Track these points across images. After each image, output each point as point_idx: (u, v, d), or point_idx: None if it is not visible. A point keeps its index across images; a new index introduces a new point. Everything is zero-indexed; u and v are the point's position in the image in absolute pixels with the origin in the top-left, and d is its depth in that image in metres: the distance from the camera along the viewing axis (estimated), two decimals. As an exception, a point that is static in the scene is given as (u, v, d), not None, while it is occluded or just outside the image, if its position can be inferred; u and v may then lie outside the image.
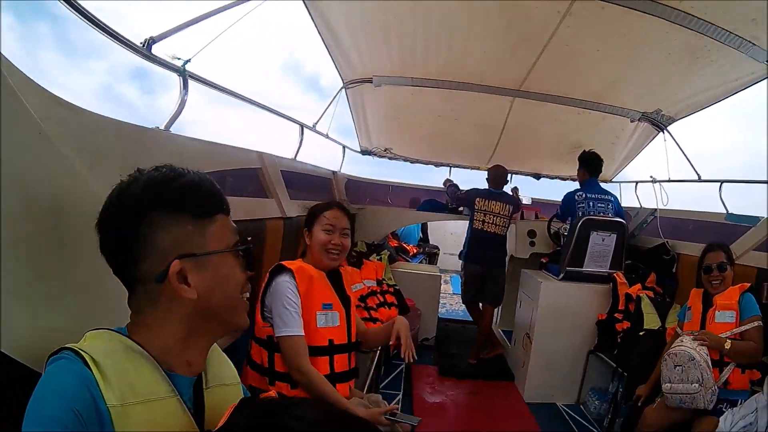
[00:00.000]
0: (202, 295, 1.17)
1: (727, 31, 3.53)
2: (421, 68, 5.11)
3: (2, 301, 1.24)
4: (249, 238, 1.34)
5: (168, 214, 1.15)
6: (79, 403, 0.97)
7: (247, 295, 1.32)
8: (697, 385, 3.12)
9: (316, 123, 5.19)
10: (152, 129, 2.31)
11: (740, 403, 3.09)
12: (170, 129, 2.50)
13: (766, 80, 4.09)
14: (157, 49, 2.37)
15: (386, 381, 5.25)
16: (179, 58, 2.60)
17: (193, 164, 2.41)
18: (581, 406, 5.23)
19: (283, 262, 2.60)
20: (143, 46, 2.28)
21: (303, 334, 2.47)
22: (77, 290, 1.54)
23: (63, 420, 0.95)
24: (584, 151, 5.53)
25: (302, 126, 4.79)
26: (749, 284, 3.46)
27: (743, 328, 3.31)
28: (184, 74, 2.62)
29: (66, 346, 1.08)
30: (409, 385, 5.27)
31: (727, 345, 3.22)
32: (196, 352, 1.25)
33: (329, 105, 5.45)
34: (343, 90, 5.62)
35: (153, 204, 1.14)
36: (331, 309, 2.66)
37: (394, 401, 4.74)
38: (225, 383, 1.38)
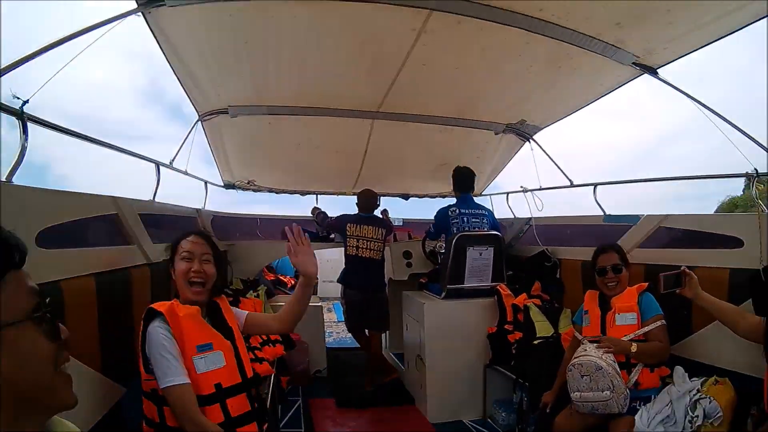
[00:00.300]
0: (4, 379, 0.92)
1: (590, 36, 3.57)
2: (276, 96, 4.99)
3: None
4: (48, 299, 1.03)
5: None
6: None
7: (67, 366, 1.05)
8: (608, 392, 3.12)
9: (172, 160, 4.88)
10: None
11: (653, 399, 3.16)
12: (12, 180, 2.26)
13: (631, 82, 4.21)
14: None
15: (285, 419, 5.07)
16: (18, 98, 2.33)
17: (38, 217, 2.19)
18: (489, 420, 5.23)
19: (153, 305, 2.40)
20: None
21: (188, 381, 2.27)
22: None
23: None
24: (457, 167, 5.58)
25: (158, 164, 4.46)
26: (647, 284, 3.48)
27: (647, 328, 3.34)
28: (23, 116, 2.35)
29: None
30: (309, 422, 5.09)
31: (634, 348, 3.25)
32: None
33: (185, 140, 5.15)
34: (200, 122, 5.39)
35: None
36: (210, 350, 2.44)
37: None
38: None
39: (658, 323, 3.34)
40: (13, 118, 2.34)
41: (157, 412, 2.33)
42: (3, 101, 2.26)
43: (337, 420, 5.27)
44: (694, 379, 3.14)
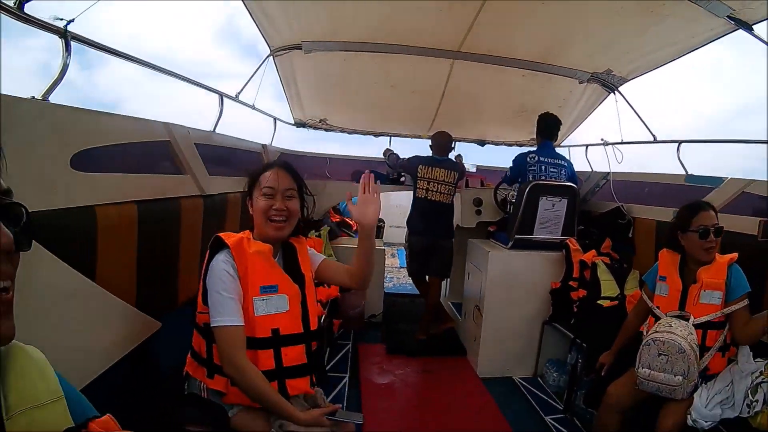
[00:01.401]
0: None
1: None
2: (353, 31, 4.83)
3: None
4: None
5: None
6: None
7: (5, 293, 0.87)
8: (680, 378, 2.82)
9: (239, 93, 4.85)
10: (25, 99, 1.99)
11: (714, 379, 2.93)
12: (49, 98, 2.14)
13: (724, 37, 3.89)
14: (31, 8, 2.03)
15: (332, 363, 5.04)
16: (61, 19, 2.25)
17: (74, 138, 2.07)
18: (539, 379, 5.11)
19: (222, 234, 2.29)
20: (14, 4, 1.93)
21: (241, 323, 2.17)
22: None
23: None
24: (544, 113, 5.38)
25: (221, 95, 4.41)
26: (736, 254, 3.06)
27: (733, 308, 2.95)
28: (66, 36, 2.26)
29: None
30: (356, 367, 5.05)
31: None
32: None
33: (254, 74, 5.09)
34: (271, 58, 5.28)
35: None
36: (274, 292, 2.30)
37: (341, 384, 4.57)
38: (37, 404, 1.00)
39: (744, 302, 2.96)
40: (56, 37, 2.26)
41: (205, 346, 2.28)
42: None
43: (384, 367, 5.23)
44: (758, 359, 2.88)
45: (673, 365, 2.83)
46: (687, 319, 2.98)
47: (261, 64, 5.12)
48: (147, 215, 2.63)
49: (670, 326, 2.95)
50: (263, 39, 4.92)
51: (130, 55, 2.90)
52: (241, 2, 4.07)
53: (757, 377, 2.76)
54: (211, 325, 2.14)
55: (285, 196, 2.37)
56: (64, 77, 2.21)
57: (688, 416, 2.79)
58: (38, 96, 2.09)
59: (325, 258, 2.72)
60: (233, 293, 2.17)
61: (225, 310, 2.13)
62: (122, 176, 2.55)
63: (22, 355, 1.03)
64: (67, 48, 2.26)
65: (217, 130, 4.22)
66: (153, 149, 3.07)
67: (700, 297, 3.01)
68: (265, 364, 2.22)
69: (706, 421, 2.73)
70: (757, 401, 2.67)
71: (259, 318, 2.24)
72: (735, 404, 2.75)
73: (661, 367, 2.87)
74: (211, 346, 2.24)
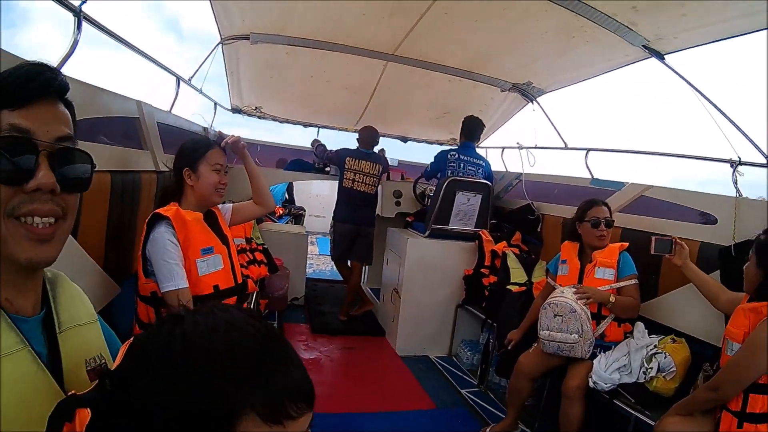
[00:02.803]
0: None
1: (607, 15, 3.71)
2: (299, 27, 5.05)
3: None
4: (23, 137, 0.92)
5: None
6: None
7: (35, 219, 0.93)
8: (576, 335, 3.33)
9: (191, 77, 5.06)
10: None
11: (612, 348, 3.44)
12: (61, 70, 2.40)
13: (637, 63, 4.38)
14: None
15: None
16: None
17: (78, 109, 2.39)
18: (454, 358, 5.53)
19: (158, 210, 2.55)
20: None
21: (187, 285, 2.45)
22: None
23: None
24: (470, 115, 5.78)
25: (179, 78, 4.65)
26: (627, 243, 3.70)
27: (623, 284, 3.56)
28: (80, 15, 2.50)
29: None
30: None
31: (612, 299, 3.47)
32: (14, 286, 0.98)
33: (205, 60, 5.29)
34: (220, 45, 5.48)
35: None
36: (211, 253, 2.64)
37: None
38: (81, 323, 1.15)
39: (633, 281, 3.57)
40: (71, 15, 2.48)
41: (154, 313, 2.52)
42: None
43: (309, 344, 5.52)
44: (652, 336, 3.42)
45: (567, 324, 3.37)
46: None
47: (211, 52, 5.31)
48: (116, 185, 2.82)
49: (563, 292, 3.55)
50: (216, 26, 5.10)
51: (131, 44, 3.26)
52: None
53: (651, 349, 3.26)
54: (162, 291, 2.41)
55: (225, 172, 2.78)
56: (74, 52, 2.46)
57: (590, 379, 3.27)
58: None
59: (233, 204, 3.15)
60: (177, 259, 2.45)
61: (173, 275, 2.41)
62: (100, 146, 2.77)
63: (67, 283, 1.18)
64: (79, 27, 2.50)
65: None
66: (123, 124, 3.29)
67: (595, 273, 3.64)
68: None
69: (605, 383, 3.21)
70: (651, 368, 3.16)
71: (203, 277, 2.56)
72: (632, 371, 3.24)
73: (558, 327, 3.41)
74: (159, 311, 2.52)
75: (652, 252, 3.31)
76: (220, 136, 3.16)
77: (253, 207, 3.20)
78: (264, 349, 0.78)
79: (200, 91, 5.44)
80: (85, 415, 0.78)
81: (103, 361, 1.14)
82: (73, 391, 0.87)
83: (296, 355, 0.83)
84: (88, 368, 1.09)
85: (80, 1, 2.49)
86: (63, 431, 0.77)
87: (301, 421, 0.76)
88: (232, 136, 3.07)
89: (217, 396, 0.70)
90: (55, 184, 0.93)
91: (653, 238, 3.33)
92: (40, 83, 0.94)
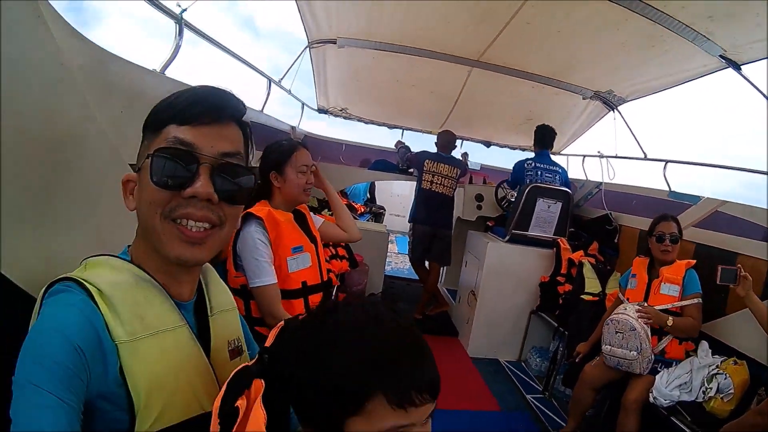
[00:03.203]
0: (137, 208, 1.12)
1: (684, 24, 3.73)
2: (385, 33, 5.19)
3: (3, 224, 1.26)
4: (187, 151, 1.07)
5: (146, 130, 1.13)
6: (82, 340, 0.92)
7: (188, 222, 1.08)
8: (635, 353, 3.39)
9: (281, 78, 5.30)
10: (151, 70, 2.38)
11: (674, 365, 3.44)
12: (165, 72, 2.61)
13: (715, 73, 4.37)
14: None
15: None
16: (179, 5, 2.73)
17: None
18: (523, 363, 5.56)
19: (251, 209, 2.64)
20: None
21: (275, 281, 2.55)
22: (83, 215, 1.64)
23: (62, 358, 0.88)
24: (541, 124, 5.79)
25: (270, 80, 4.90)
26: (695, 261, 3.69)
27: (685, 303, 3.56)
28: (181, 21, 2.74)
29: (66, 276, 1.04)
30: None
31: (670, 322, 3.46)
32: (172, 275, 1.16)
33: (294, 62, 5.53)
34: (308, 49, 5.69)
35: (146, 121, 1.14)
36: (301, 251, 2.74)
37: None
38: (226, 309, 1.34)
39: (696, 301, 3.55)
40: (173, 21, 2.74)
41: (243, 305, 2.63)
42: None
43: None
44: (715, 356, 3.40)
45: (627, 341, 3.43)
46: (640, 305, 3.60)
47: (300, 55, 5.53)
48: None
49: (625, 309, 3.60)
50: (304, 31, 5.31)
51: (229, 50, 3.50)
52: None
53: (713, 369, 3.25)
54: (251, 286, 2.54)
55: (310, 171, 2.85)
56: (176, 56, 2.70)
57: (650, 394, 3.29)
58: (158, 69, 2.56)
59: (324, 221, 3.20)
60: (267, 257, 2.57)
61: (262, 272, 2.53)
62: None
63: (214, 274, 1.37)
64: (180, 33, 2.75)
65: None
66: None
67: (660, 288, 3.66)
68: (298, 310, 2.65)
69: (665, 400, 3.22)
70: (711, 388, 3.14)
71: (292, 274, 2.69)
72: (692, 390, 3.23)
73: (618, 344, 3.48)
74: (249, 303, 2.64)
75: (718, 282, 3.25)
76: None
77: (341, 232, 3.27)
78: (400, 343, 0.94)
79: (290, 92, 5.66)
80: (259, 385, 0.93)
81: (240, 343, 1.34)
82: (245, 364, 1.01)
83: (429, 351, 0.99)
84: (230, 348, 1.28)
85: (180, 9, 2.73)
86: (238, 401, 0.89)
87: (422, 410, 0.91)
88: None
89: (354, 379, 0.88)
90: (212, 193, 1.07)
91: (719, 267, 3.27)
92: (208, 105, 1.09)
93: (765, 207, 3.80)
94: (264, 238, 2.59)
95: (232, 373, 0.97)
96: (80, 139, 1.62)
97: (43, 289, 1.03)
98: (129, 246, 1.19)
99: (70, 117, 1.58)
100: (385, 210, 9.98)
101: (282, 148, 2.80)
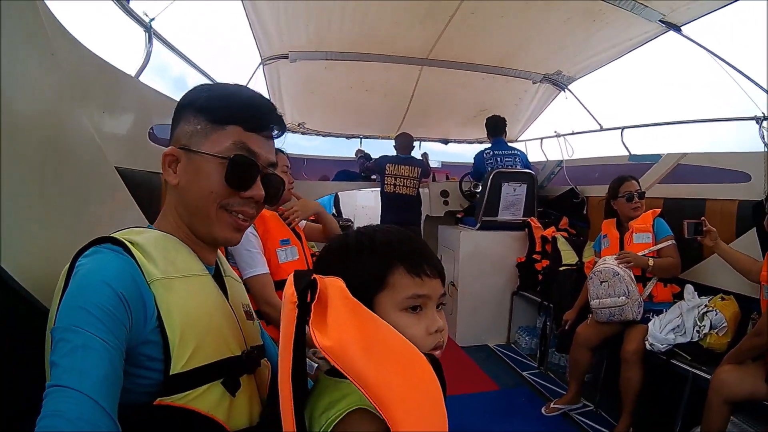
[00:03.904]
0: (182, 185, 1.22)
1: None
2: (336, 42, 5.29)
3: (2, 219, 1.27)
4: (252, 158, 1.22)
5: (193, 112, 1.22)
6: (124, 288, 0.98)
7: (241, 216, 1.25)
8: (624, 297, 3.52)
9: None
10: (127, 74, 2.46)
11: (665, 311, 3.57)
12: (139, 78, 2.75)
13: (659, 38, 4.56)
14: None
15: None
16: (146, 15, 2.91)
17: (153, 115, 2.66)
18: (513, 345, 5.70)
19: None
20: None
21: (268, 271, 2.66)
22: (74, 211, 1.68)
23: (107, 304, 0.94)
24: (490, 116, 6.02)
25: None
26: (660, 209, 3.94)
27: (660, 245, 3.73)
28: (150, 30, 2.91)
29: (100, 237, 1.09)
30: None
31: (651, 262, 3.64)
32: (200, 247, 1.27)
33: (248, 82, 5.58)
34: (261, 66, 5.76)
35: (189, 102, 1.24)
36: (288, 244, 2.84)
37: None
38: (234, 278, 1.47)
39: (670, 242, 3.73)
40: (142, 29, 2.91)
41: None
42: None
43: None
44: (702, 297, 3.53)
45: (613, 288, 3.58)
46: None
47: (254, 73, 5.63)
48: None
49: (604, 260, 3.78)
50: (256, 48, 5.40)
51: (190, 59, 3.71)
52: (244, 15, 4.62)
53: (702, 309, 3.39)
54: (245, 277, 2.59)
55: (289, 171, 2.95)
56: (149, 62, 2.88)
57: (646, 341, 3.42)
58: (132, 74, 2.67)
59: (307, 222, 3.33)
60: (258, 248, 2.68)
61: (255, 262, 2.62)
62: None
63: (223, 258, 1.48)
64: (150, 40, 2.92)
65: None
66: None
67: (633, 239, 3.83)
68: None
69: (662, 344, 3.34)
70: (704, 326, 3.29)
71: (283, 264, 2.77)
72: (686, 331, 3.37)
73: (605, 293, 3.62)
74: None
75: (686, 236, 3.42)
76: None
77: (321, 236, 3.39)
78: (410, 238, 1.12)
79: None
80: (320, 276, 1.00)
81: (250, 310, 1.45)
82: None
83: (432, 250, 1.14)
84: (245, 310, 1.38)
85: (149, 18, 2.93)
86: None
87: (434, 284, 1.07)
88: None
89: (376, 259, 1.05)
90: (263, 197, 1.26)
91: (685, 222, 3.42)
92: (272, 120, 1.27)
93: (724, 151, 3.97)
94: (254, 230, 2.70)
95: (293, 271, 1.03)
96: (71, 137, 1.70)
97: (69, 264, 1.05)
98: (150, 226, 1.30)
99: (62, 116, 1.65)
100: (353, 222, 10.00)
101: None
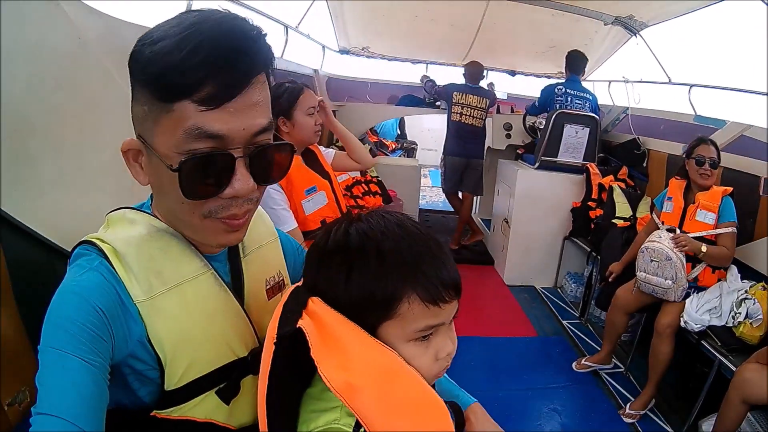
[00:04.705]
0: (153, 186, 1.00)
1: None
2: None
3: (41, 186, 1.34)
4: (221, 153, 0.88)
5: (136, 83, 0.90)
6: (102, 302, 0.89)
7: (227, 213, 0.96)
8: (670, 282, 3.44)
9: (299, 23, 5.31)
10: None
11: (705, 291, 3.50)
12: None
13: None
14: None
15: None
16: None
17: None
18: (558, 290, 5.75)
19: None
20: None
21: (296, 225, 2.62)
22: (111, 175, 1.72)
23: (82, 319, 0.86)
24: (573, 50, 5.79)
25: (286, 26, 4.94)
26: (731, 189, 3.58)
27: (720, 231, 3.54)
28: None
29: (86, 238, 1.00)
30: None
31: (704, 249, 3.47)
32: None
33: (311, 5, 5.52)
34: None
35: (131, 63, 0.90)
36: (315, 191, 2.76)
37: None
38: (263, 243, 1.26)
39: (730, 230, 3.52)
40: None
41: None
42: None
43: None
44: (744, 281, 3.46)
45: (663, 270, 3.47)
46: (674, 231, 3.62)
47: None
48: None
49: (660, 237, 3.60)
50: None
51: None
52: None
53: (742, 294, 3.30)
54: None
55: (317, 111, 2.84)
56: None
57: (681, 318, 3.38)
58: None
59: (335, 152, 3.20)
60: (283, 203, 2.64)
61: (281, 219, 2.58)
62: None
63: None
64: None
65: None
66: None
67: (696, 214, 3.62)
68: None
69: (696, 324, 3.29)
70: (740, 313, 3.19)
71: (309, 215, 2.75)
72: (722, 314, 3.28)
73: (653, 272, 3.53)
74: None
75: (762, 193, 3.30)
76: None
77: (351, 162, 3.22)
78: (424, 245, 0.94)
79: (308, 37, 5.72)
80: (316, 300, 0.93)
81: (282, 278, 1.27)
82: (297, 285, 1.03)
83: (449, 252, 0.99)
84: (267, 287, 1.21)
85: None
86: (299, 322, 0.88)
87: (450, 307, 0.94)
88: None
89: (385, 283, 0.88)
90: (253, 186, 0.94)
91: (762, 179, 3.29)
92: (233, 72, 0.85)
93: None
94: (276, 185, 2.60)
95: (286, 296, 0.97)
96: (104, 104, 1.77)
97: (71, 250, 1.01)
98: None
99: (92, 87, 1.73)
100: (417, 145, 10.01)
101: (287, 92, 2.77)
